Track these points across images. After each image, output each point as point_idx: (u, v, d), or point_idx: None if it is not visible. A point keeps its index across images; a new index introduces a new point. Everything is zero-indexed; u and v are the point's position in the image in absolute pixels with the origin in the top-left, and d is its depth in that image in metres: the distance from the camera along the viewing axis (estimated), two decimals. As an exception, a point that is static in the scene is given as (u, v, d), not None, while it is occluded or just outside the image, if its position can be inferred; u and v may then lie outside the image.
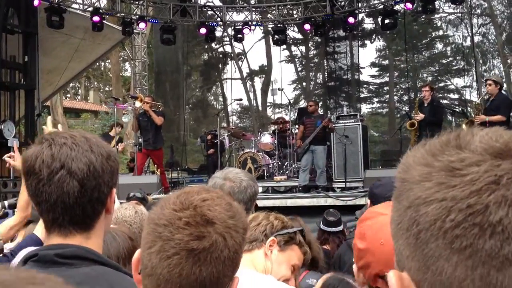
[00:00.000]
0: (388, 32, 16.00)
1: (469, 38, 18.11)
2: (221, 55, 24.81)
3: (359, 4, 13.69)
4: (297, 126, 11.28)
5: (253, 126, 23.70)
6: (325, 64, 19.66)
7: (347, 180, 9.94)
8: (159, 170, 10.84)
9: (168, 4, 14.20)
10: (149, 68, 18.72)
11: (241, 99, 18.48)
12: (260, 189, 6.13)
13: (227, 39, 22.27)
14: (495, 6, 19.10)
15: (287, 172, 11.47)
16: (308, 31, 15.90)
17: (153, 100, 11.17)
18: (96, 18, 12.70)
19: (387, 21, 12.92)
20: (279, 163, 11.65)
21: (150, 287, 1.07)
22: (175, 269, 1.03)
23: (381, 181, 3.06)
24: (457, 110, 14.25)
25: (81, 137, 1.33)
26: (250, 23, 14.43)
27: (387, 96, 21.99)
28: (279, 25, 14.26)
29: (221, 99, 25.98)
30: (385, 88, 22.32)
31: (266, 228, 2.02)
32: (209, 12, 15.26)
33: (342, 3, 13.56)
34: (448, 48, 20.80)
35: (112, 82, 27.85)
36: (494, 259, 0.58)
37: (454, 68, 20.34)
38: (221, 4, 16.99)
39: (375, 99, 22.61)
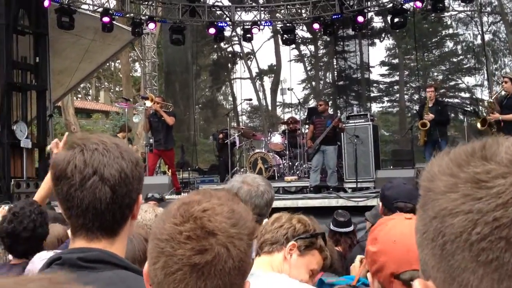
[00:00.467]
0: (397, 30, 15.92)
1: (479, 36, 18.01)
2: (230, 55, 24.83)
3: (368, 3, 13.63)
4: (307, 126, 11.25)
5: (263, 125, 23.70)
6: (335, 63, 19.61)
7: (358, 180, 9.90)
8: (170, 170, 10.85)
9: (177, 4, 14.24)
10: (158, 68, 18.78)
11: (250, 99, 18.46)
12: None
13: (236, 38, 22.30)
14: (506, 4, 18.95)
15: (297, 172, 11.44)
16: (317, 30, 15.87)
17: (163, 100, 11.19)
18: (106, 19, 12.76)
19: (396, 19, 12.86)
20: (290, 163, 11.63)
21: None
22: (180, 284, 1.02)
23: (392, 182, 3.04)
24: (469, 109, 14.14)
25: (111, 143, 1.33)
26: (259, 22, 14.43)
27: (398, 95, 21.90)
28: (288, 24, 14.24)
29: (230, 98, 26.01)
30: (395, 87, 22.23)
31: (288, 232, 2.02)
32: (218, 12, 15.27)
33: (351, 2, 13.52)
34: (459, 47, 20.67)
35: (123, 83, 27.96)
36: None
37: (465, 66, 20.21)
38: (230, 4, 16.99)
39: (385, 98, 22.54)
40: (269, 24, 15.79)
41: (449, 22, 20.82)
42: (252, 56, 25.44)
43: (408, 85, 21.08)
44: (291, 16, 14.62)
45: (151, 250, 1.07)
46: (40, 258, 2.28)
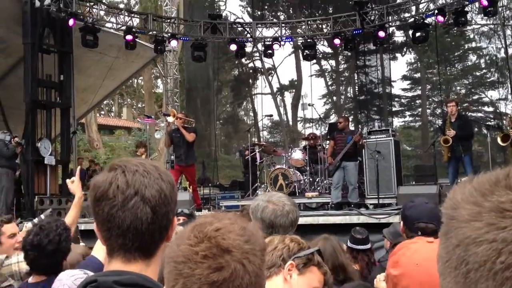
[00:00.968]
0: (419, 45, 15.84)
1: (503, 50, 17.79)
2: (251, 70, 24.95)
3: (389, 18, 13.60)
4: (327, 142, 11.21)
5: (283, 141, 23.70)
6: (356, 78, 19.56)
7: (380, 196, 9.81)
8: (191, 187, 10.87)
9: (199, 21, 14.41)
10: (180, 85, 18.97)
11: (271, 115, 18.51)
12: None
13: (257, 54, 22.42)
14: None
15: (318, 188, 11.39)
16: (338, 46, 15.88)
17: (186, 116, 11.27)
18: (129, 37, 12.96)
19: (418, 34, 12.80)
20: (311, 179, 11.59)
21: None
22: None
23: (413, 202, 2.99)
24: (492, 124, 13.94)
25: (150, 165, 1.36)
26: (280, 38, 14.51)
27: (420, 109, 21.72)
28: (308, 40, 14.28)
29: (251, 114, 26.08)
30: (417, 101, 22.07)
31: (282, 252, 1.98)
32: (239, 29, 15.40)
33: (372, 17, 13.51)
34: (482, 60, 20.46)
35: (145, 99, 28.31)
36: None
37: (488, 80, 19.98)
38: (251, 21, 17.13)
39: (407, 113, 22.36)
40: (290, 39, 15.86)
41: (471, 36, 20.66)
42: (273, 72, 25.55)
43: (430, 99, 20.91)
44: (312, 32, 14.67)
45: (169, 273, 1.10)
46: (68, 275, 2.29)
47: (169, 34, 14.10)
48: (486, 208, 0.63)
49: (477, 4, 13.36)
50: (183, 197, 10.00)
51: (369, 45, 16.86)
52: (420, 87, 21.59)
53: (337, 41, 13.96)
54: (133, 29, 13.27)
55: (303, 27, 15.23)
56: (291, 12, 22.79)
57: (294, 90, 25.97)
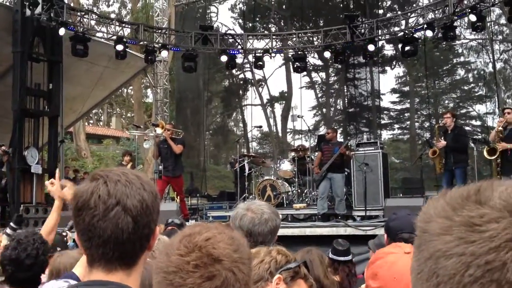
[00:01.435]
0: (408, 58, 15.98)
1: (490, 65, 17.98)
2: (241, 82, 24.99)
3: (379, 31, 13.73)
4: (316, 154, 11.26)
5: (273, 152, 23.70)
6: (345, 90, 19.66)
7: (367, 208, 9.84)
8: (178, 197, 10.87)
9: (190, 32, 14.45)
10: (170, 95, 18.96)
11: (261, 126, 18.52)
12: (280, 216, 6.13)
13: (248, 66, 22.47)
14: (517, 32, 18.99)
15: (306, 199, 11.40)
16: (328, 58, 15.98)
17: (173, 127, 11.27)
18: (119, 47, 12.95)
19: (407, 48, 12.93)
20: (299, 190, 11.60)
21: None
22: None
23: (396, 214, 3.03)
24: (479, 138, 14.05)
25: (132, 175, 1.36)
26: (270, 50, 14.57)
27: (408, 122, 21.84)
28: (299, 52, 14.36)
29: (241, 125, 26.09)
30: (406, 115, 22.18)
31: (270, 265, 1.95)
32: (230, 40, 15.45)
33: (362, 30, 13.63)
34: (470, 75, 20.63)
35: (134, 109, 28.26)
36: None
37: (476, 94, 20.14)
38: (242, 32, 17.20)
39: (396, 126, 22.46)
40: (281, 51, 15.94)
41: (460, 50, 20.84)
42: (263, 83, 25.59)
43: (419, 112, 21.03)
44: (302, 44, 14.75)
45: (158, 283, 1.11)
46: (53, 287, 2.29)
47: (160, 44, 14.11)
48: (456, 222, 0.64)
49: (466, 19, 13.53)
50: (170, 207, 9.96)
51: (359, 58, 16.98)
52: (409, 100, 21.71)
53: (327, 54, 14.06)
54: (124, 39, 13.27)
55: (294, 39, 15.33)
56: (282, 24, 22.90)
57: (284, 102, 26.02)
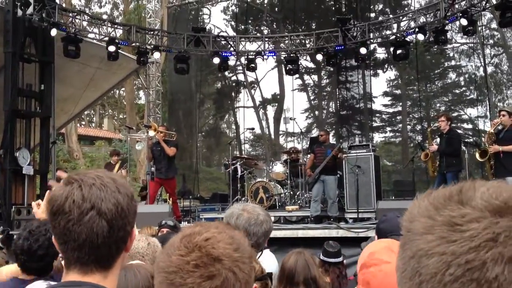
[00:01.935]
0: (400, 62, 16.05)
1: (482, 68, 18.09)
2: (234, 84, 24.98)
3: (371, 35, 13.79)
4: (308, 156, 11.28)
5: (265, 154, 23.71)
6: (338, 93, 19.69)
7: (359, 210, 9.87)
8: (171, 199, 10.84)
9: (182, 34, 14.43)
10: (162, 96, 18.92)
11: (253, 128, 18.53)
12: (272, 219, 6.14)
13: (240, 68, 22.47)
14: (508, 37, 19.13)
15: (299, 201, 11.42)
16: (320, 61, 16.02)
17: (166, 129, 11.24)
18: (111, 48, 12.90)
19: (399, 51, 12.98)
20: (291, 192, 11.61)
21: None
22: None
23: (386, 216, 3.06)
24: (470, 141, 14.14)
25: (107, 178, 1.36)
26: (263, 52, 14.58)
27: (400, 125, 21.92)
28: (291, 54, 14.38)
29: (233, 127, 26.07)
30: (398, 118, 22.26)
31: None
32: (223, 42, 15.44)
33: (354, 33, 13.68)
34: (461, 78, 20.73)
35: (126, 110, 28.17)
36: None
37: (467, 98, 20.25)
38: (234, 34, 17.20)
39: (388, 128, 22.53)
40: (273, 54, 15.95)
41: (451, 54, 20.95)
42: (255, 85, 25.60)
43: (410, 115, 21.11)
44: (295, 47, 14.77)
45: (159, 283, 1.11)
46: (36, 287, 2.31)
47: (152, 46, 14.08)
48: (438, 222, 0.65)
49: (457, 23, 13.61)
50: (163, 209, 9.93)
51: (351, 61, 17.02)
52: (400, 104, 21.80)
53: (319, 57, 14.09)
54: (116, 40, 13.23)
55: (286, 42, 15.34)
56: (275, 27, 22.92)
57: (276, 104, 26.04)
